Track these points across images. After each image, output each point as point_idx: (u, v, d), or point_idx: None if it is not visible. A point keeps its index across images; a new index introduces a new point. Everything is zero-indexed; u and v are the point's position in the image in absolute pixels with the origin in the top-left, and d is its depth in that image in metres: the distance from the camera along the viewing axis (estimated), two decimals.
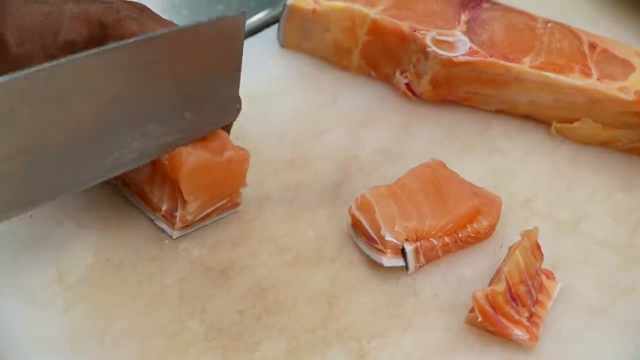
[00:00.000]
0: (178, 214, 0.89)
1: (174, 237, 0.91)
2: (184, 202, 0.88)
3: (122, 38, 0.84)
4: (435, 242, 0.88)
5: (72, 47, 0.85)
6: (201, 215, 0.90)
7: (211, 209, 0.91)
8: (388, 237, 0.87)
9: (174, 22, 0.88)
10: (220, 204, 0.91)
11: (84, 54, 0.77)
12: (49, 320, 0.84)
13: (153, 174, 0.89)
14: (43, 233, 0.90)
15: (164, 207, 0.90)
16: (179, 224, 0.90)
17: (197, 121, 0.88)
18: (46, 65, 0.75)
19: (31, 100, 0.75)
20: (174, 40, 0.84)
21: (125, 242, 0.91)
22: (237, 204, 0.93)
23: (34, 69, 0.74)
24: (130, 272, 0.88)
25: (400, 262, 0.88)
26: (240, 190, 0.92)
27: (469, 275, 0.90)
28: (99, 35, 0.86)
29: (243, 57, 0.89)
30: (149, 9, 0.88)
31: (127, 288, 0.87)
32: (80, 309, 0.85)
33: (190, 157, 0.86)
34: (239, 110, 0.92)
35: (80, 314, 0.85)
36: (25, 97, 0.74)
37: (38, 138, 0.77)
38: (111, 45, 0.79)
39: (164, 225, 0.91)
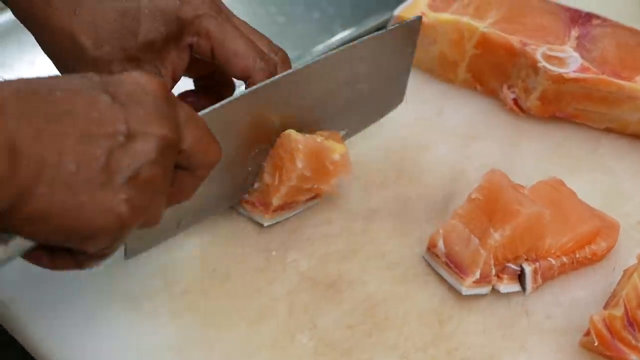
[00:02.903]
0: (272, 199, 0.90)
1: (265, 224, 0.91)
2: (278, 186, 0.89)
3: (199, 36, 0.84)
4: (554, 262, 0.87)
5: (151, 47, 0.84)
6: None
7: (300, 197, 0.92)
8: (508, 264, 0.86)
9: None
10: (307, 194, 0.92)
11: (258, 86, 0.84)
12: (155, 330, 0.84)
13: None
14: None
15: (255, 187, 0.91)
16: (275, 203, 0.90)
17: (362, 120, 0.97)
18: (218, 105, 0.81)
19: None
20: (355, 53, 0.90)
21: (232, 252, 0.90)
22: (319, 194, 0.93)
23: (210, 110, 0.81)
24: (237, 283, 0.87)
25: (516, 288, 0.87)
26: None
27: (582, 297, 0.88)
28: (176, 32, 0.85)
29: None
30: (226, 8, 0.87)
31: (235, 299, 0.86)
32: (187, 318, 0.85)
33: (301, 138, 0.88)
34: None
35: (187, 324, 0.84)
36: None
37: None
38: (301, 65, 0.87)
39: (256, 217, 0.91)
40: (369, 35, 0.92)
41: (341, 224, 0.93)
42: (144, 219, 0.67)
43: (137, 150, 0.64)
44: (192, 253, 0.89)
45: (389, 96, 1.00)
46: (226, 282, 0.87)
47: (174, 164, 0.68)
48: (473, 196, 0.88)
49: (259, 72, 0.85)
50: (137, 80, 0.67)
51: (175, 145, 0.67)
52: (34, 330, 0.83)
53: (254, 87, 0.84)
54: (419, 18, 0.96)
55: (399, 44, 0.95)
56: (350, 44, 0.91)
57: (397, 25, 0.95)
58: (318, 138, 0.89)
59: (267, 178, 0.90)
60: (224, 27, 0.84)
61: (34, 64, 1.30)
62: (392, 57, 0.96)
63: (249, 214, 0.91)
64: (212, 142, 0.71)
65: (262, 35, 0.87)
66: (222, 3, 0.86)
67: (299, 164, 0.87)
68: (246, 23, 0.87)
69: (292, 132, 0.88)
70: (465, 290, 0.86)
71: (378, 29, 1.11)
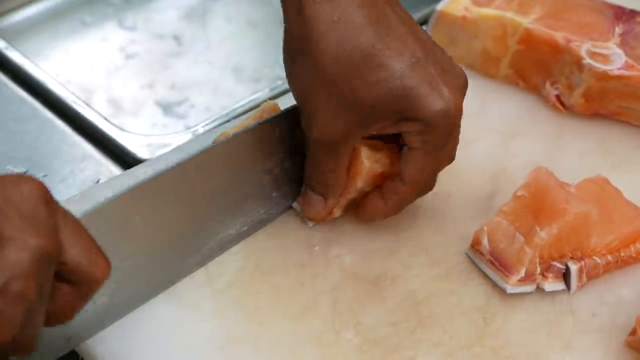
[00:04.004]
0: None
1: (310, 225, 0.91)
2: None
3: None
4: (599, 260, 0.86)
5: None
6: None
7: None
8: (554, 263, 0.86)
9: None
10: None
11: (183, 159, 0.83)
12: (198, 324, 0.83)
13: None
14: None
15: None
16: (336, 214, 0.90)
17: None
18: (154, 174, 0.80)
19: (140, 212, 0.80)
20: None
21: (274, 247, 0.90)
22: None
23: (140, 183, 0.79)
24: (281, 278, 0.87)
25: (561, 286, 0.87)
26: None
27: (627, 296, 0.88)
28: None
29: None
30: None
31: (279, 294, 0.86)
32: (230, 313, 0.84)
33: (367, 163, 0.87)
34: None
35: (231, 318, 0.84)
36: (136, 209, 0.80)
37: (146, 242, 0.82)
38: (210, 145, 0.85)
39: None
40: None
41: (383, 221, 0.92)
42: (14, 339, 0.59)
43: (8, 260, 0.58)
44: (234, 248, 0.89)
45: None
46: (269, 276, 0.87)
47: (52, 277, 0.61)
48: (519, 193, 0.87)
49: None
50: (16, 183, 0.61)
51: (54, 257, 0.60)
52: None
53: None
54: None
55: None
56: None
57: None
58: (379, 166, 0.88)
59: None
60: None
61: (69, 53, 1.31)
62: None
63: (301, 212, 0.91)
64: (98, 256, 0.64)
65: None
66: None
67: (360, 183, 0.87)
68: None
69: (362, 150, 0.87)
70: (509, 289, 0.85)
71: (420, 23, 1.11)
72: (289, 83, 0.84)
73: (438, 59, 0.83)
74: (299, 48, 0.81)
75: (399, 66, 0.80)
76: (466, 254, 0.89)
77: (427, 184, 0.87)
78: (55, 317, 0.63)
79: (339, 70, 0.79)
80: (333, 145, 0.83)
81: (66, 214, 0.63)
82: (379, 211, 0.88)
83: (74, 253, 0.62)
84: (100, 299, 0.79)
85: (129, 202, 0.79)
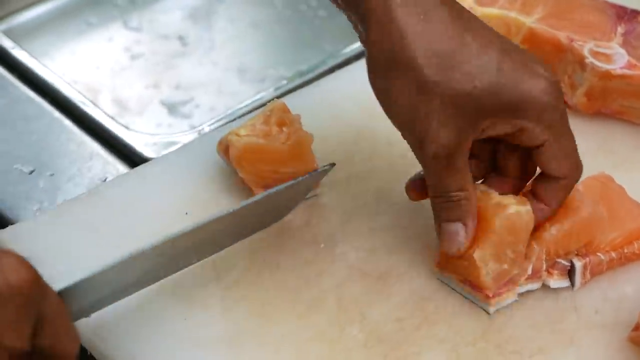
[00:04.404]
0: None
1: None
2: None
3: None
4: (603, 257, 0.87)
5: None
6: None
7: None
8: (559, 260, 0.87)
9: None
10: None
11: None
12: (207, 320, 0.84)
13: None
14: None
15: None
16: None
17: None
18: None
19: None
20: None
21: (280, 244, 0.91)
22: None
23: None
24: (287, 275, 0.88)
25: (566, 283, 0.87)
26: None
27: (630, 292, 0.88)
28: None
29: None
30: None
31: (285, 291, 0.87)
32: (238, 309, 0.85)
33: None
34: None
35: (239, 314, 0.85)
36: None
37: None
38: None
39: None
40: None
41: (388, 218, 0.93)
42: None
43: None
44: (241, 244, 0.90)
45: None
46: (276, 273, 0.88)
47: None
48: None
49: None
50: (3, 269, 0.64)
51: (28, 352, 0.66)
52: (85, 320, 0.84)
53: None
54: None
55: None
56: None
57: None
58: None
59: None
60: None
61: (75, 53, 1.31)
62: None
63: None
64: (71, 332, 0.70)
65: None
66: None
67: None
68: None
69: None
70: (517, 288, 0.86)
71: None
72: (385, 102, 0.81)
73: (513, 44, 0.83)
74: (390, 59, 0.79)
75: (493, 55, 0.79)
76: None
77: (578, 165, 0.85)
78: None
79: (438, 71, 0.78)
80: (451, 159, 0.80)
81: (45, 292, 0.67)
82: (547, 214, 0.85)
83: (49, 336, 0.67)
84: None
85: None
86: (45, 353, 0.67)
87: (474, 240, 0.83)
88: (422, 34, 0.78)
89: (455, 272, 0.86)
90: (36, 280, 0.65)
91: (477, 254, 0.82)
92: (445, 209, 0.83)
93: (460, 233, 0.82)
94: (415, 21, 0.78)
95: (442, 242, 0.84)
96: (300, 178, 0.89)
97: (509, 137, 0.82)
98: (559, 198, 0.85)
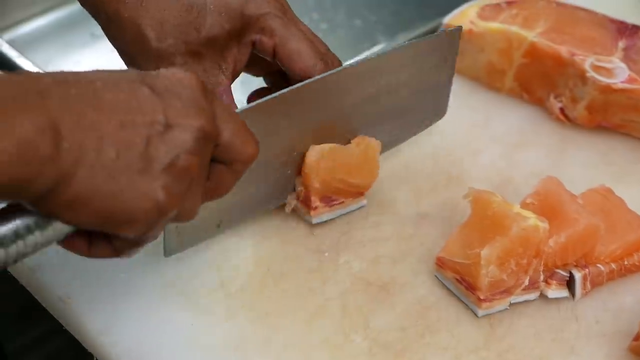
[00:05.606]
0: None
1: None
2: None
3: (262, 33, 0.86)
4: (603, 268, 0.88)
5: (214, 43, 0.85)
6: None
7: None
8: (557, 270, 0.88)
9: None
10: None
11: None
12: (211, 327, 0.85)
13: None
14: (205, 241, 0.91)
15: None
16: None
17: (402, 131, 0.98)
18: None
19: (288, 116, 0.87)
20: (395, 59, 0.92)
21: (285, 252, 0.92)
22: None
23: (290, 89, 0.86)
24: (291, 283, 0.89)
25: (564, 294, 0.88)
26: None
27: (630, 303, 0.89)
28: (240, 28, 0.86)
29: None
30: (290, 10, 0.88)
31: (289, 298, 0.88)
32: (243, 317, 0.86)
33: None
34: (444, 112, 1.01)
35: (243, 322, 0.86)
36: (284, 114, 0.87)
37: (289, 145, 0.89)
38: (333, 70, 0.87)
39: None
40: (408, 42, 0.93)
41: (391, 228, 0.94)
42: (180, 208, 0.68)
43: (175, 140, 0.66)
44: (246, 252, 0.91)
45: (430, 108, 1.01)
46: (280, 281, 0.89)
47: (210, 156, 0.70)
48: (528, 201, 0.89)
49: (318, 73, 0.86)
50: (175, 75, 0.69)
51: (212, 137, 0.69)
52: (90, 326, 0.85)
53: (295, 86, 0.85)
54: (459, 28, 0.97)
55: (438, 53, 0.96)
56: (390, 49, 0.92)
57: (436, 34, 0.96)
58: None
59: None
60: (288, 27, 0.86)
61: (80, 63, 1.32)
62: (432, 67, 0.97)
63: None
64: (249, 137, 0.72)
65: (321, 41, 0.89)
66: (287, 4, 0.88)
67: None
68: (308, 27, 0.88)
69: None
70: (512, 298, 0.87)
71: None
72: None
73: None
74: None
75: None
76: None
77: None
78: (212, 193, 0.73)
79: None
80: None
81: (219, 101, 0.71)
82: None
83: (228, 135, 0.70)
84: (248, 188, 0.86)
85: (276, 108, 0.85)
86: (226, 155, 0.71)
87: (485, 240, 0.84)
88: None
89: (454, 270, 0.87)
90: (205, 85, 0.70)
91: (484, 252, 0.83)
92: None
93: None
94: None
95: None
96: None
97: None
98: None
